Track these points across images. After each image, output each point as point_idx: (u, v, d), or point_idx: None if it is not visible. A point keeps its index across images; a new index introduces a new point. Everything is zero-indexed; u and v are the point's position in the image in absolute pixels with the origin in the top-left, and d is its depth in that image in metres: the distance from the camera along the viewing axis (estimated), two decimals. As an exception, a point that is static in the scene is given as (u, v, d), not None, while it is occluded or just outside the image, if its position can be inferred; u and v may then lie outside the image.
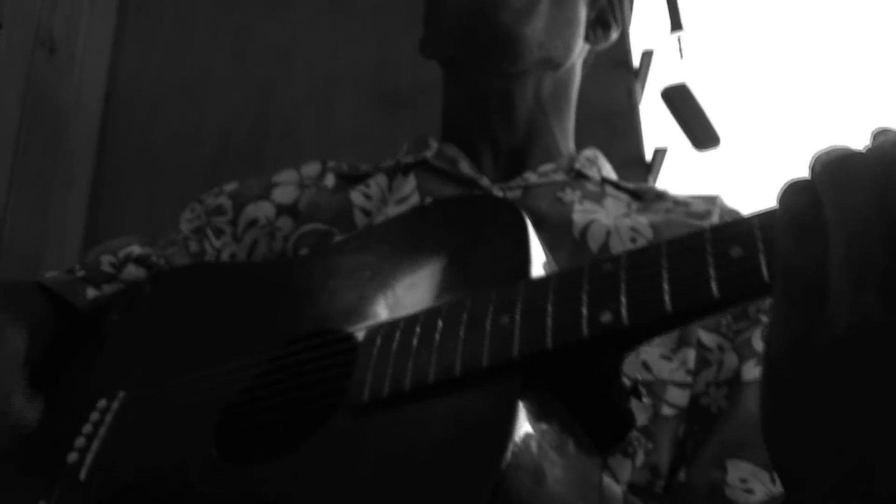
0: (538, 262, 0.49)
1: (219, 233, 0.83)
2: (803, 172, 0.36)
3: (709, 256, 0.38)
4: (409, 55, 1.40)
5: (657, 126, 1.37)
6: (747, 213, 0.40)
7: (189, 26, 1.46)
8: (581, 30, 0.87)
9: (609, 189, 0.84)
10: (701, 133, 1.33)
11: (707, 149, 1.34)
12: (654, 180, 1.35)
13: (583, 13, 0.87)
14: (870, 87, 1.47)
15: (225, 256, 0.81)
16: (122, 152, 1.40)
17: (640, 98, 1.41)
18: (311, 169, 0.89)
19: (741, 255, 0.37)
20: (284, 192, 0.85)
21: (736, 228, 0.38)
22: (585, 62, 0.94)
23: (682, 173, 1.32)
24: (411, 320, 0.47)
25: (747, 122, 1.41)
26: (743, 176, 1.34)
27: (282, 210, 0.83)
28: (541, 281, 0.44)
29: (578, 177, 0.83)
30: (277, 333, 0.57)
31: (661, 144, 1.36)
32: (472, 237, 0.53)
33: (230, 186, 0.87)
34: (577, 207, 0.77)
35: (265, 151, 1.39)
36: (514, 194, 0.79)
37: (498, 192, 0.79)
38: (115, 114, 1.43)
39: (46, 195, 1.27)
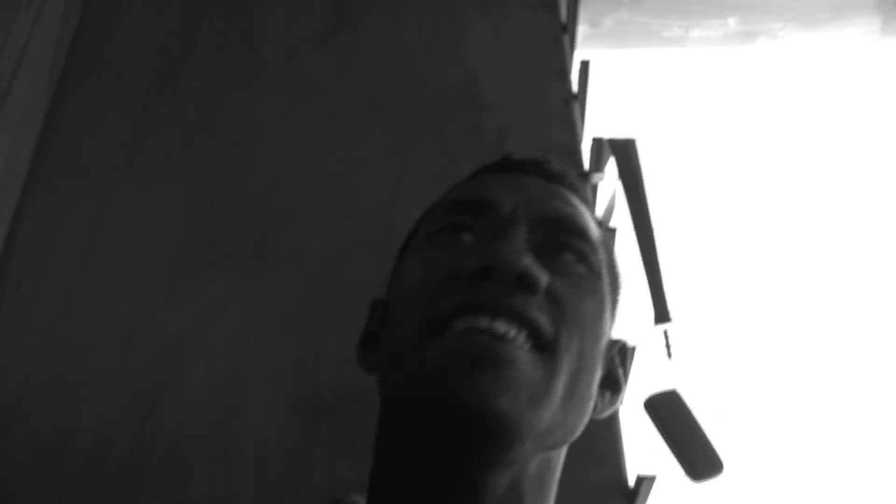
0: None
1: None
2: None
3: None
4: (334, 350, 1.17)
5: (643, 446, 1.11)
6: None
7: (73, 308, 1.20)
8: (592, 403, 0.66)
9: None
10: (697, 457, 1.07)
11: (706, 478, 1.07)
12: (640, 516, 1.06)
13: (597, 381, 0.67)
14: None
15: None
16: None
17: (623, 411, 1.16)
18: None
19: None
20: None
21: None
22: None
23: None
24: None
25: (759, 440, 1.15)
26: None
27: None
28: None
29: None
30: None
31: (646, 471, 1.09)
32: None
33: None
34: None
35: (148, 467, 1.09)
36: None
37: None
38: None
39: None
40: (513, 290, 0.58)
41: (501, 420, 0.54)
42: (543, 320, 0.59)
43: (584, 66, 1.44)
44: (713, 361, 1.21)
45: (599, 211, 1.35)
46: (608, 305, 0.67)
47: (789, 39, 1.62)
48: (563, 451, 0.68)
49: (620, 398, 0.72)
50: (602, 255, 0.68)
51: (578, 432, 0.65)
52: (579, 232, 0.66)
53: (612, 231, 1.21)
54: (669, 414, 1.07)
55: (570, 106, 1.38)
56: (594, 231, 0.69)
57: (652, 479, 1.08)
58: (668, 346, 1.14)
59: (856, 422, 1.20)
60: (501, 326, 0.57)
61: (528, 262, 0.59)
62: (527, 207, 0.65)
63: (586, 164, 1.35)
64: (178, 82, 1.37)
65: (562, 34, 1.48)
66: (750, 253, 1.33)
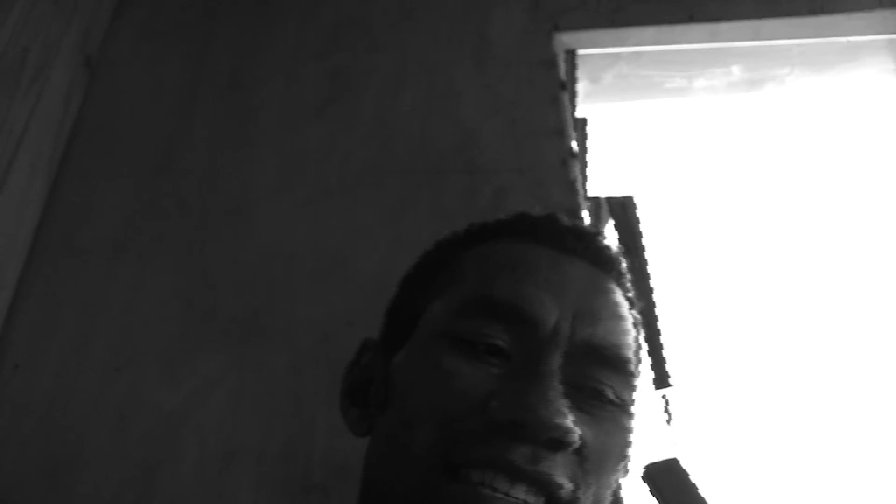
0: None
1: None
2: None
3: None
4: (326, 427, 1.15)
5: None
6: None
7: (68, 388, 1.21)
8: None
9: None
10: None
11: (709, 551, 1.02)
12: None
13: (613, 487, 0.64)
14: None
15: None
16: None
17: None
18: None
19: None
20: None
21: None
22: None
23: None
24: None
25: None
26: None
27: None
28: None
29: None
30: None
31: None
32: None
33: None
34: None
35: (138, 553, 1.08)
36: None
37: None
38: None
39: None
40: (541, 455, 0.55)
41: None
42: (565, 483, 0.56)
43: (582, 123, 1.42)
44: (716, 428, 1.16)
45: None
46: (634, 430, 0.64)
47: (797, 84, 1.58)
48: None
49: (623, 482, 0.70)
50: (636, 382, 0.64)
51: None
52: (621, 367, 0.61)
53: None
54: (668, 483, 1.03)
55: (567, 164, 1.35)
56: (633, 356, 0.64)
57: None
58: (667, 412, 1.10)
59: (858, 486, 1.14)
60: (520, 493, 0.54)
61: (566, 421, 0.55)
62: (571, 330, 0.59)
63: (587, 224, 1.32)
64: (175, 161, 1.38)
65: (560, 91, 1.46)
66: (759, 313, 1.28)
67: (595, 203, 1.33)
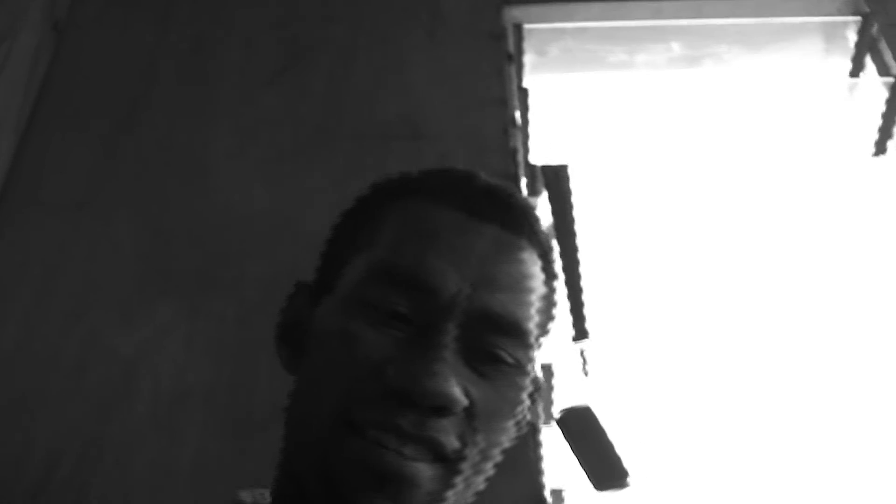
0: None
1: None
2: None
3: None
4: (268, 374, 1.24)
5: (560, 458, 1.15)
6: None
7: (32, 336, 1.29)
8: (496, 460, 0.68)
9: None
10: (603, 470, 1.11)
11: (610, 489, 1.11)
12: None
13: (504, 445, 0.68)
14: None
15: None
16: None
17: (542, 422, 1.20)
18: None
19: None
20: None
21: None
22: None
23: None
24: None
25: (669, 453, 1.19)
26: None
27: None
28: None
29: None
30: None
31: (561, 484, 1.13)
32: None
33: None
34: None
35: (93, 482, 1.17)
36: None
37: None
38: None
39: None
40: (428, 419, 0.60)
41: None
42: (451, 442, 0.61)
43: (524, 93, 1.50)
44: (630, 379, 1.25)
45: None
46: (528, 386, 0.67)
47: (734, 62, 1.66)
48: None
49: (521, 434, 0.72)
50: (533, 343, 0.67)
51: (480, 490, 0.67)
52: (515, 332, 0.65)
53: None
54: (580, 429, 1.12)
55: (508, 133, 1.43)
56: (532, 319, 0.67)
57: (560, 491, 1.13)
58: (584, 364, 1.19)
59: (765, 434, 1.23)
60: (409, 451, 0.60)
61: (449, 391, 0.60)
62: (469, 298, 0.63)
63: (524, 189, 1.41)
64: (138, 123, 1.45)
65: (507, 63, 1.54)
66: (680, 279, 1.37)
67: (531, 169, 1.41)
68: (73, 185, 1.41)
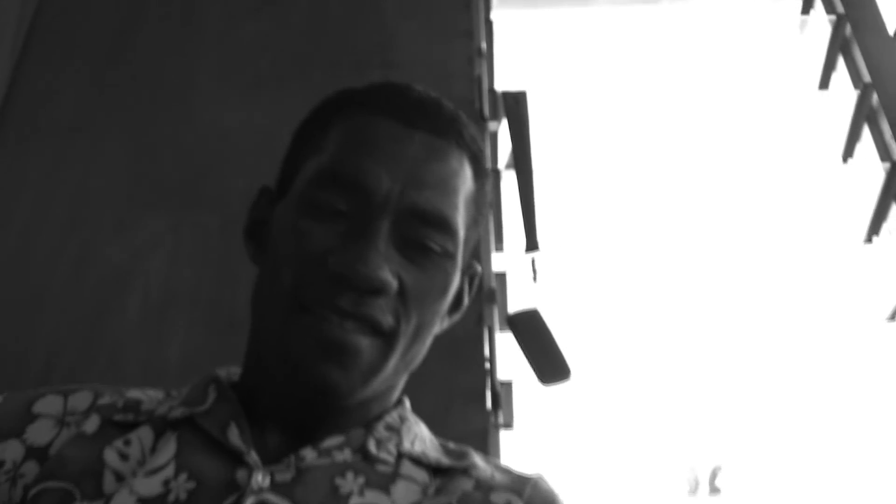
0: None
1: None
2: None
3: None
4: (247, 278, 1.35)
5: (509, 354, 1.28)
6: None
7: (31, 245, 1.41)
8: (432, 337, 0.76)
9: (405, 467, 0.73)
10: (547, 365, 1.24)
11: (553, 383, 1.24)
12: (503, 416, 1.24)
13: (438, 323, 0.76)
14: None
15: (-32, 489, 0.71)
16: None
17: (495, 324, 1.33)
18: (80, 401, 0.77)
19: None
20: (40, 431, 0.75)
21: None
22: None
23: (531, 408, 1.22)
24: None
25: (607, 351, 1.32)
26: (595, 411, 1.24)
27: (31, 452, 0.73)
28: None
29: (367, 458, 0.73)
30: None
31: (507, 377, 1.26)
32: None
33: None
34: (354, 501, 0.69)
35: (90, 378, 1.29)
36: (283, 477, 0.69)
37: (264, 476, 0.68)
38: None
39: None
40: (365, 299, 0.69)
41: (338, 393, 0.69)
42: (386, 319, 0.70)
43: (489, 25, 1.60)
44: (575, 286, 1.38)
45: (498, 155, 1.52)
46: (458, 271, 0.76)
47: (691, 1, 1.75)
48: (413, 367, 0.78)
49: (458, 317, 0.80)
50: (461, 234, 0.75)
51: (422, 358, 0.76)
52: (442, 225, 0.72)
53: (494, 173, 1.37)
54: (528, 329, 1.24)
55: (474, 62, 1.54)
56: (459, 213, 0.74)
57: (509, 384, 1.26)
58: (534, 272, 1.31)
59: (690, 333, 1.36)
60: (350, 325, 0.69)
61: (380, 275, 0.69)
62: (399, 195, 0.71)
63: (486, 114, 1.51)
64: (127, 50, 1.56)
65: (474, -4, 1.64)
66: (628, 202, 1.49)
67: (493, 96, 1.52)
68: (66, 110, 1.52)
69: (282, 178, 0.80)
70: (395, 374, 0.74)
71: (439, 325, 0.76)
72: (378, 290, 0.69)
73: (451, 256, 0.73)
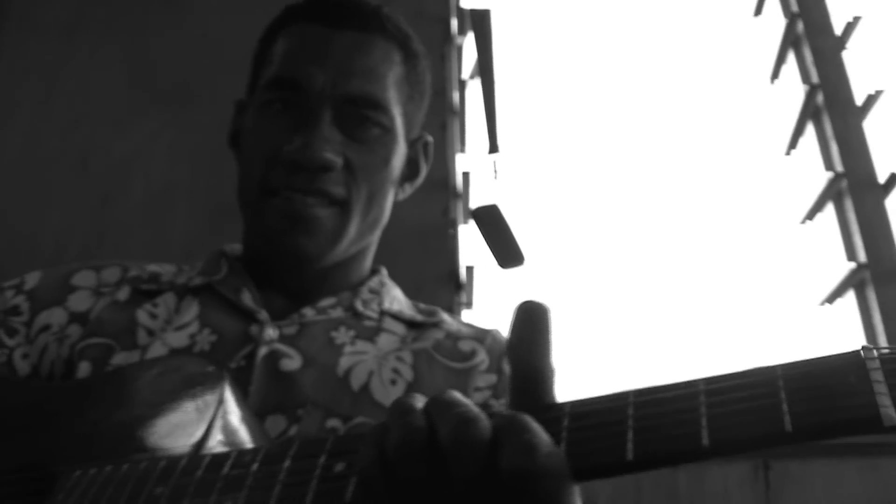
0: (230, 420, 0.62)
1: (13, 332, 0.85)
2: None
3: (317, 470, 0.47)
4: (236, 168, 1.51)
5: (472, 243, 1.47)
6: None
7: (36, 140, 1.54)
8: (390, 203, 0.90)
9: (387, 322, 0.89)
10: (506, 252, 1.44)
11: (510, 267, 1.44)
12: (468, 296, 1.44)
13: (392, 190, 0.90)
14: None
15: (18, 356, 0.84)
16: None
17: (460, 217, 1.51)
18: (111, 275, 0.91)
19: (342, 471, 0.46)
20: (79, 300, 0.87)
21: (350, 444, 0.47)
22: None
23: (492, 289, 1.42)
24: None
25: (556, 241, 1.52)
26: (547, 291, 1.44)
27: (74, 317, 0.85)
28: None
29: (356, 315, 0.88)
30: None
31: (470, 262, 1.45)
32: (177, 397, 0.64)
33: (31, 282, 0.89)
34: (347, 350, 0.83)
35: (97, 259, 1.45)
36: (289, 331, 0.84)
37: (273, 329, 0.83)
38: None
39: None
40: (316, 177, 0.83)
41: (310, 257, 0.83)
42: (338, 190, 0.84)
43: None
44: (531, 184, 1.57)
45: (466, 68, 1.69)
46: (400, 144, 0.88)
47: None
48: (378, 229, 0.92)
49: (419, 181, 0.94)
50: (396, 111, 0.87)
51: (384, 221, 0.90)
52: (374, 106, 0.85)
53: (460, 83, 1.54)
54: (489, 221, 1.43)
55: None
56: (389, 95, 0.86)
57: (471, 268, 1.46)
58: (495, 171, 1.49)
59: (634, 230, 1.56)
60: (309, 200, 0.83)
61: (323, 156, 0.82)
62: (333, 85, 0.84)
63: (455, 30, 1.67)
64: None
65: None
66: (583, 108, 1.67)
67: (461, 13, 1.67)
68: (64, 11, 1.63)
69: (248, 90, 0.94)
70: (361, 236, 0.86)
71: (397, 191, 0.90)
72: (325, 167, 0.81)
73: (387, 130, 0.86)
